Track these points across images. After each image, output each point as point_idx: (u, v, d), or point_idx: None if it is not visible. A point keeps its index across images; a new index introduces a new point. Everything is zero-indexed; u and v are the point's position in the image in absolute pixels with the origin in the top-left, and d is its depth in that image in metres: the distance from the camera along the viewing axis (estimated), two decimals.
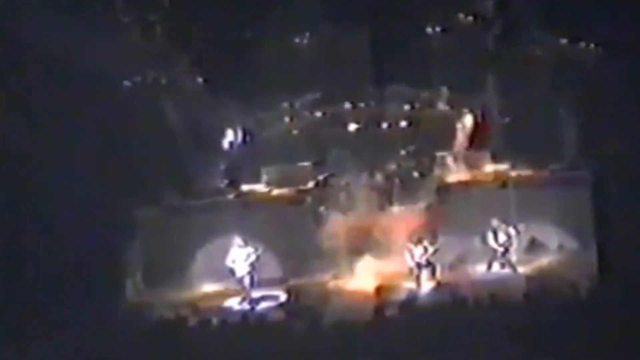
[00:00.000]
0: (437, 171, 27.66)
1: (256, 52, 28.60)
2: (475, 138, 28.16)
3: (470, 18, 28.82)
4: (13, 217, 26.96)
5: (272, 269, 26.56)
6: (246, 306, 25.74)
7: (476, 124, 28.25)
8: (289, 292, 25.97)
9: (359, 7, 28.29)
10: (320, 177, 27.63)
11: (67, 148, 26.68)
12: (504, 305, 24.43)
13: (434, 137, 28.22)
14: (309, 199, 27.45)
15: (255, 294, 25.90)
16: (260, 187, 28.28)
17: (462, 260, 26.46)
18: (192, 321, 25.25)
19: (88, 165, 26.58)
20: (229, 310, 25.64)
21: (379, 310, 24.89)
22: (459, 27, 28.80)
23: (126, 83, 27.95)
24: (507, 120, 28.26)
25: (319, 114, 28.98)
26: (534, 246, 26.54)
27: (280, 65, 28.67)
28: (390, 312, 24.83)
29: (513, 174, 27.43)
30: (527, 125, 27.41)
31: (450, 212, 26.69)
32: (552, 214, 26.36)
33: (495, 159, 28.01)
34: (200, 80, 28.57)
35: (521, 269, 26.15)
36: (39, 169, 26.73)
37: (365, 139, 28.44)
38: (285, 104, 29.06)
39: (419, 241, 25.90)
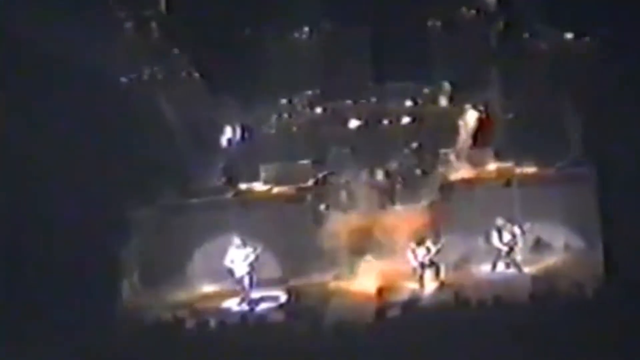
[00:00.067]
0: (439, 169, 27.48)
1: (255, 48, 28.44)
2: (479, 135, 27.91)
3: (473, 12, 28.61)
4: (8, 215, 26.69)
5: (272, 269, 26.38)
6: (245, 307, 25.58)
7: (479, 121, 27.98)
8: (289, 292, 25.80)
9: (360, 2, 28.20)
10: (320, 175, 27.46)
11: (63, 146, 26.47)
12: (509, 305, 24.31)
13: (437, 134, 28.03)
14: (308, 198, 27.25)
15: (255, 294, 25.74)
16: (259, 186, 28.08)
17: (466, 260, 26.28)
18: (190, 323, 25.11)
19: (84, 164, 26.39)
20: (228, 312, 25.49)
21: (380, 311, 24.76)
22: (461, 22, 28.61)
23: (123, 80, 27.75)
24: (510, 116, 28.07)
25: (319, 110, 28.83)
26: (539, 245, 26.37)
27: (280, 61, 28.54)
28: (392, 313, 24.71)
29: (517, 171, 27.25)
30: (531, 122, 27.25)
31: (453, 211, 26.50)
32: (558, 212, 26.20)
33: (499, 156, 27.80)
34: (197, 76, 28.38)
35: (526, 269, 25.99)
36: (35, 167, 26.52)
37: (366, 136, 28.28)
38: (285, 101, 28.86)
39: (421, 241, 25.76)
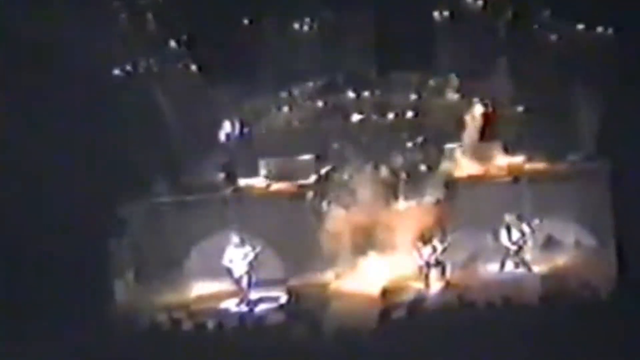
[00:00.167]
0: (445, 164, 27.11)
1: (254, 39, 27.99)
2: (486, 129, 27.61)
3: (480, 2, 28.20)
4: None
5: (272, 268, 26.04)
6: (244, 308, 25.34)
7: (487, 114, 27.67)
8: (289, 293, 25.54)
9: None
10: (322, 171, 27.10)
11: (54, 141, 25.91)
12: (518, 306, 24.22)
13: (443, 128, 27.70)
14: (310, 194, 26.86)
15: (254, 295, 25.49)
16: (259, 182, 27.68)
17: (473, 259, 26.03)
18: (187, 325, 24.89)
19: (77, 159, 25.91)
20: (226, 313, 25.21)
21: (384, 312, 24.53)
22: (468, 12, 28.21)
23: (116, 72, 27.28)
24: (520, 109, 27.80)
25: (320, 103, 28.46)
26: (549, 244, 26.14)
27: (279, 52, 28.14)
28: (397, 314, 24.51)
29: (527, 166, 27.00)
30: (542, 115, 26.95)
31: (460, 208, 26.21)
32: (569, 209, 25.98)
33: (508, 151, 27.52)
34: (194, 68, 28.00)
35: (536, 268, 25.79)
36: (24, 163, 25.91)
37: (369, 130, 27.88)
38: (285, 94, 28.48)
39: (427, 239, 25.62)
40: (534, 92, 27.33)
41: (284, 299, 25.41)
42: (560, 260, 25.95)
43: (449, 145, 27.40)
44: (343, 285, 25.83)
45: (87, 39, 25.83)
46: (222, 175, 27.21)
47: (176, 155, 27.27)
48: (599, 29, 27.33)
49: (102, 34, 26.44)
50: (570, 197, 25.98)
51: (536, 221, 25.76)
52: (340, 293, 25.53)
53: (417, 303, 24.87)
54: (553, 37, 27.62)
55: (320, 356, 22.98)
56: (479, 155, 27.42)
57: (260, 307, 25.26)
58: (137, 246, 26.23)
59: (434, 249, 25.49)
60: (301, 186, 27.04)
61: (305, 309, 24.90)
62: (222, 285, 25.78)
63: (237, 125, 27.83)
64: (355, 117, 28.19)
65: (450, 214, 26.19)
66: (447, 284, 25.47)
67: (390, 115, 28.12)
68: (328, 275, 25.98)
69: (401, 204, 26.60)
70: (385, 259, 26.04)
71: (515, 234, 25.72)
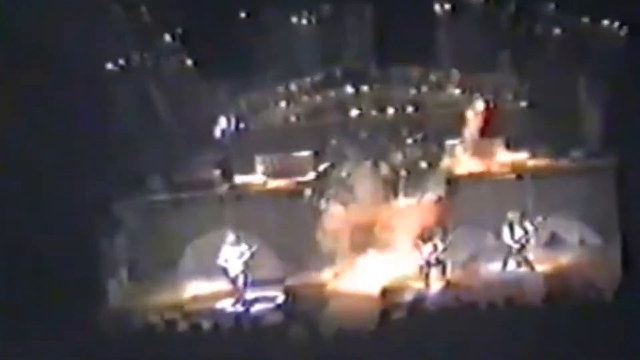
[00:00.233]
0: (446, 161, 26.93)
1: (250, 33, 27.76)
2: (488, 125, 27.37)
3: None
4: None
5: (268, 267, 25.90)
6: (240, 308, 25.10)
7: (489, 110, 27.43)
8: (286, 292, 25.36)
9: None
10: (320, 168, 26.95)
11: (46, 137, 25.65)
12: (520, 307, 24.07)
13: (443, 123, 27.43)
14: (307, 192, 26.67)
15: (250, 294, 25.26)
16: (255, 179, 27.55)
17: (474, 258, 25.90)
18: (181, 325, 24.70)
19: (69, 156, 25.62)
20: (221, 313, 25.00)
21: (384, 312, 24.34)
22: (470, 5, 27.90)
23: (109, 66, 26.99)
24: (522, 104, 27.60)
25: (318, 98, 28.22)
26: (553, 242, 26.04)
27: (276, 46, 27.87)
28: (396, 314, 24.35)
29: (530, 163, 26.85)
30: (546, 111, 26.78)
31: (461, 206, 26.04)
32: (573, 206, 25.84)
33: (510, 147, 27.36)
34: (189, 62, 27.75)
35: (539, 267, 25.54)
36: (15, 159, 25.68)
37: (368, 125, 27.62)
38: (282, 88, 28.23)
39: (427, 237, 25.40)
40: (537, 87, 27.17)
41: (281, 298, 25.22)
42: (564, 259, 25.79)
43: (449, 142, 27.21)
44: (342, 284, 25.66)
45: (80, 33, 25.60)
46: (217, 172, 27.06)
47: (171, 152, 27.11)
48: (604, 23, 27.07)
49: (95, 28, 26.23)
50: (574, 195, 25.82)
51: (539, 219, 25.57)
52: (339, 293, 25.34)
53: (417, 303, 24.70)
54: (557, 30, 27.38)
55: (319, 358, 22.87)
56: (481, 151, 27.26)
57: (257, 307, 25.04)
58: (130, 245, 26.13)
59: (435, 248, 25.31)
60: (299, 183, 26.88)
61: (302, 309, 24.72)
62: (218, 285, 25.58)
63: (233, 121, 27.68)
64: (354, 113, 27.97)
65: (451, 211, 26.02)
66: (448, 284, 25.30)
67: (390, 111, 27.88)
68: (326, 275, 25.82)
69: (401, 202, 26.46)
70: (385, 257, 25.91)
71: (518, 232, 25.52)
